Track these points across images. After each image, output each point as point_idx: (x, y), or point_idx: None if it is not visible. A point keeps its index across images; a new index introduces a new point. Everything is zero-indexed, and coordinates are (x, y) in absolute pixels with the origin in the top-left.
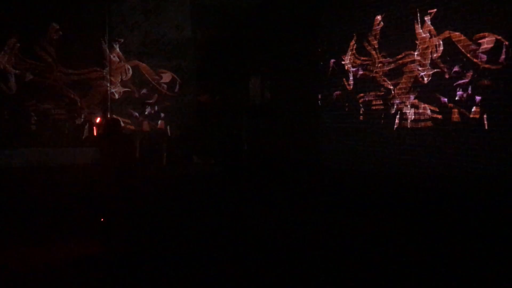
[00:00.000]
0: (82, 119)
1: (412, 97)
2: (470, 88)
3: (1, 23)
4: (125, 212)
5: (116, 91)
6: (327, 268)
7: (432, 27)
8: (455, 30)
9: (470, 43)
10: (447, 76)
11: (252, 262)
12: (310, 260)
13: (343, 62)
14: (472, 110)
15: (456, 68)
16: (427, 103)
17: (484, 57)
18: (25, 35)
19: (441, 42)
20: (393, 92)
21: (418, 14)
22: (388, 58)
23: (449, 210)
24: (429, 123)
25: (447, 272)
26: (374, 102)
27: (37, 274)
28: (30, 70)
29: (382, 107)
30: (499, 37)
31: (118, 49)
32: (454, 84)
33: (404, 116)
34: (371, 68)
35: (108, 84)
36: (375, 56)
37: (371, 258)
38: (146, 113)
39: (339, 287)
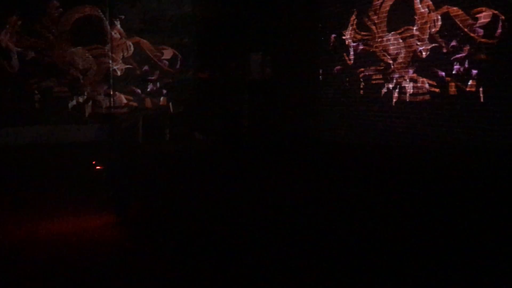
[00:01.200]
0: (85, 96)
1: (410, 71)
2: (466, 62)
3: (2, 0)
4: (134, 184)
5: (118, 68)
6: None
7: (431, 2)
8: (453, 5)
9: (468, 17)
10: (444, 51)
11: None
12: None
13: (343, 37)
14: (469, 83)
15: (453, 43)
16: (425, 77)
17: (481, 32)
18: (26, 12)
19: (439, 17)
20: (392, 66)
21: None
22: (388, 33)
23: (446, 181)
24: (427, 97)
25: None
26: (374, 77)
27: (57, 241)
28: (32, 48)
29: (381, 81)
30: (496, 12)
31: (119, 26)
32: (452, 58)
33: (403, 90)
34: (371, 43)
35: (110, 61)
36: (375, 31)
37: (370, 227)
38: (148, 90)
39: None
